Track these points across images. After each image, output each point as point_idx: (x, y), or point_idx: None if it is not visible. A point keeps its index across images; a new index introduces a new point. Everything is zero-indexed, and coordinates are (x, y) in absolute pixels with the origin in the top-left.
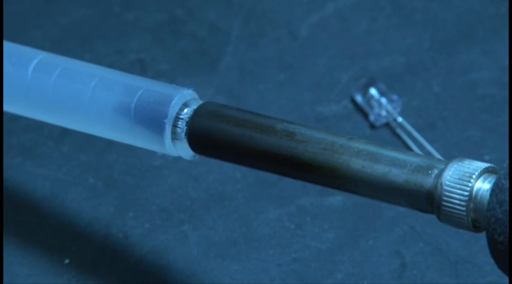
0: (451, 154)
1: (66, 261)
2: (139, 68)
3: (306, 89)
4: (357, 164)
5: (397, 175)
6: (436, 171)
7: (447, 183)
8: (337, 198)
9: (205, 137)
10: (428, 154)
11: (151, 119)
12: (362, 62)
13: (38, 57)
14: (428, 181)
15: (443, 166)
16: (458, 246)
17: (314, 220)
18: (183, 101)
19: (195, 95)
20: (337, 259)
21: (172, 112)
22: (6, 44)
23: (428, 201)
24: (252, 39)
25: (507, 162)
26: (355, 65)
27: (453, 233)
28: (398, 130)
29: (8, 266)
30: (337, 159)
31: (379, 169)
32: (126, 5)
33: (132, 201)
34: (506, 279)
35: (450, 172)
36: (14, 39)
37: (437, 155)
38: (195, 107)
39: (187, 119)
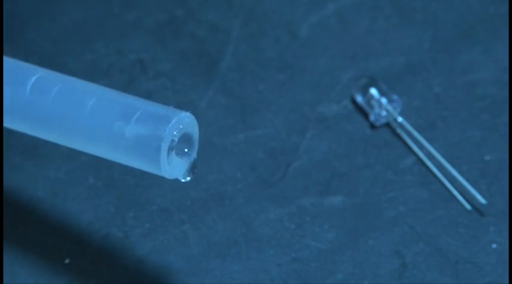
0: (451, 154)
1: (67, 261)
2: (140, 68)
3: (306, 89)
4: None
5: None
6: None
7: None
8: (337, 198)
9: None
10: (428, 154)
11: (147, 141)
12: (362, 62)
13: (36, 74)
14: None
15: None
16: (458, 246)
17: (314, 220)
18: (180, 124)
19: (192, 118)
20: (337, 259)
21: (169, 135)
22: (5, 60)
23: None
24: (252, 39)
25: None
26: (355, 65)
27: (453, 234)
28: (399, 130)
29: (8, 266)
30: None
31: None
32: (126, 5)
33: (132, 201)
34: (506, 279)
35: None
36: (14, 39)
37: (437, 155)
38: None
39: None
